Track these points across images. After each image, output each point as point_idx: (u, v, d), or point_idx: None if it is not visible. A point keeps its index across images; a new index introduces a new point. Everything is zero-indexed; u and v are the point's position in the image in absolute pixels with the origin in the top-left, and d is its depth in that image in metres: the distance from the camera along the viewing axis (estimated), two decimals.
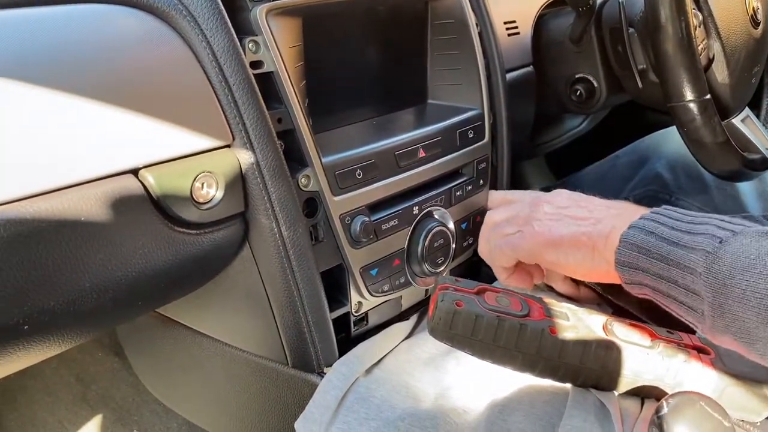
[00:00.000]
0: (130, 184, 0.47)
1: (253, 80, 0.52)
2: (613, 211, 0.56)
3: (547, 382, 0.54)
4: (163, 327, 0.74)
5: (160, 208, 0.49)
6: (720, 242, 0.46)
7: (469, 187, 0.71)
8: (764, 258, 0.43)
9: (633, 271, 0.51)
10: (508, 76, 0.81)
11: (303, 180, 0.57)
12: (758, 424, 0.52)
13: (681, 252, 0.48)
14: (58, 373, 0.97)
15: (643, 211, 0.54)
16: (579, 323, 0.54)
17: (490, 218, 0.67)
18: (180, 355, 0.75)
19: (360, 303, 0.64)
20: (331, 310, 0.61)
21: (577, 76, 0.90)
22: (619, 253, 0.52)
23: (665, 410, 0.44)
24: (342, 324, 0.64)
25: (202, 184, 0.51)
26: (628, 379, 0.52)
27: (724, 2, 0.75)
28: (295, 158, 0.57)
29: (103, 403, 0.95)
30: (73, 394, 0.96)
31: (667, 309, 0.51)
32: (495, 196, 0.73)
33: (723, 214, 0.52)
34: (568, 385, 0.54)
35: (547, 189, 0.67)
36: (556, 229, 0.58)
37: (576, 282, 0.66)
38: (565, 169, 1.26)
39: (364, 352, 0.60)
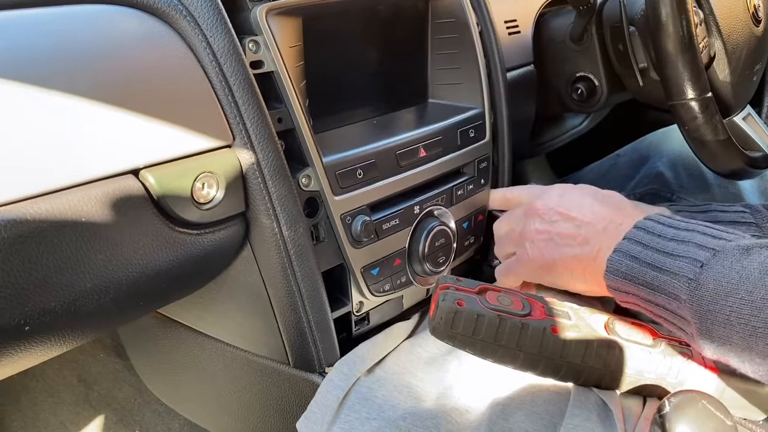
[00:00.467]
0: (130, 185, 0.47)
1: (254, 80, 0.52)
2: (602, 225, 0.56)
3: (549, 382, 0.54)
4: (165, 327, 0.74)
5: (161, 208, 0.49)
6: (701, 267, 0.46)
7: (470, 187, 0.71)
8: (745, 282, 0.44)
9: (623, 294, 0.52)
10: (509, 75, 0.80)
11: (304, 180, 0.57)
12: (760, 422, 0.52)
13: (665, 278, 0.48)
14: (60, 374, 0.97)
15: (630, 220, 0.54)
16: (581, 322, 0.53)
17: (496, 232, 0.68)
18: (182, 356, 0.75)
19: (361, 303, 0.64)
20: (333, 309, 0.61)
21: (578, 74, 0.90)
22: (608, 278, 0.53)
23: (667, 409, 0.44)
24: (343, 324, 0.64)
25: (203, 184, 0.51)
26: (630, 378, 0.52)
27: (725, 0, 0.75)
28: (295, 158, 0.57)
29: (105, 403, 0.95)
30: (76, 395, 0.96)
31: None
32: (495, 195, 0.73)
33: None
34: (570, 385, 0.54)
35: None
36: (547, 253, 0.59)
37: None
38: (566, 167, 1.26)
39: (365, 351, 0.60)
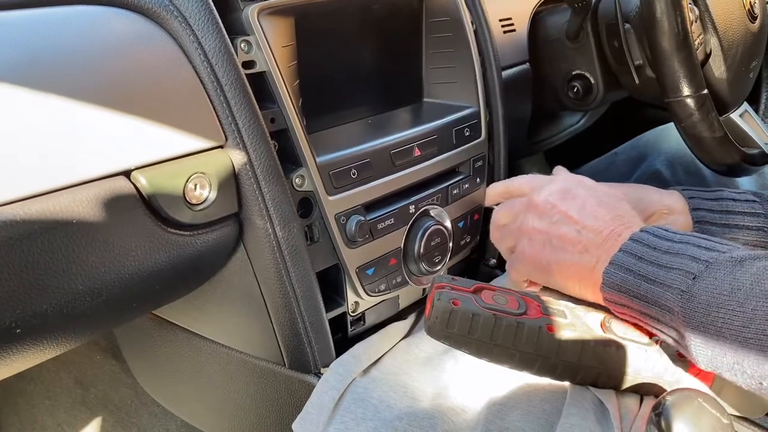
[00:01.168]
0: (122, 186, 0.47)
1: (245, 80, 0.52)
2: (604, 234, 0.55)
3: (545, 381, 0.54)
4: (161, 329, 0.74)
5: (153, 209, 0.49)
6: (693, 279, 0.46)
7: (466, 185, 0.71)
8: (737, 293, 0.43)
9: (619, 306, 0.52)
10: (504, 73, 0.80)
11: (297, 180, 0.56)
12: (756, 421, 0.52)
13: (658, 290, 0.48)
14: (57, 376, 0.97)
15: (629, 230, 0.54)
16: (577, 321, 0.53)
17: (494, 221, 0.66)
18: (178, 358, 0.75)
19: (357, 303, 0.64)
20: (328, 310, 0.61)
21: (573, 72, 0.90)
22: (603, 290, 0.52)
23: (663, 407, 0.44)
24: (339, 324, 0.64)
25: (195, 185, 0.51)
26: (626, 377, 0.52)
27: None
28: (289, 158, 0.56)
29: (102, 405, 0.95)
30: (72, 397, 0.96)
31: None
32: (496, 188, 0.71)
33: None
34: (567, 383, 0.54)
35: None
36: (543, 255, 0.58)
37: None
38: (564, 165, 1.26)
39: (361, 352, 0.60)
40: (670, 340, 0.50)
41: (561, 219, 0.58)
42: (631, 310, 0.51)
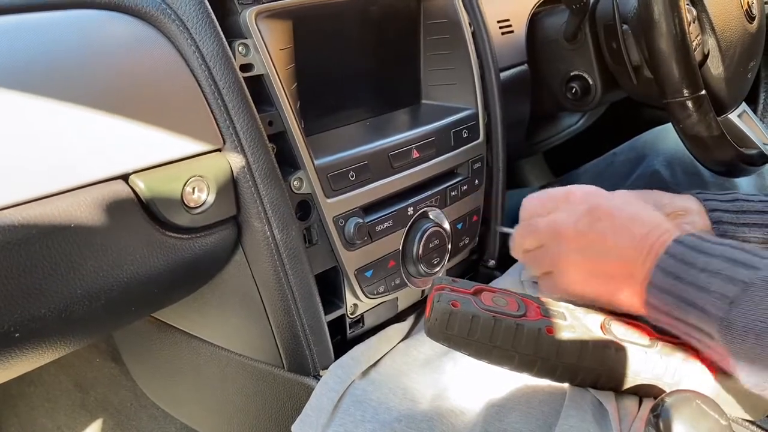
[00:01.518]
0: (120, 190, 0.47)
1: (243, 83, 0.52)
2: (644, 253, 0.53)
3: (545, 382, 0.54)
4: (160, 332, 0.74)
5: (151, 213, 0.49)
6: (730, 304, 0.46)
7: (464, 187, 0.71)
8: None
9: (663, 324, 0.52)
10: (503, 74, 0.80)
11: (295, 182, 0.56)
12: (756, 422, 0.52)
13: (696, 313, 0.48)
14: (57, 379, 0.97)
15: (663, 238, 0.52)
16: (576, 322, 0.53)
17: (518, 246, 0.62)
18: (177, 360, 0.75)
19: (356, 305, 0.64)
20: (327, 312, 0.61)
21: (572, 73, 0.90)
22: (647, 309, 0.52)
23: (662, 408, 0.44)
24: (338, 326, 0.64)
25: (193, 188, 0.51)
26: (626, 378, 0.52)
27: None
28: (287, 161, 0.56)
29: (101, 408, 0.95)
30: (72, 400, 0.96)
31: None
32: (524, 239, 0.62)
33: None
34: (566, 385, 0.54)
35: (546, 187, 0.66)
36: (588, 288, 0.56)
37: None
38: (563, 166, 1.26)
39: (360, 354, 0.60)
40: (716, 359, 0.50)
41: (599, 247, 0.55)
42: (672, 329, 0.51)
